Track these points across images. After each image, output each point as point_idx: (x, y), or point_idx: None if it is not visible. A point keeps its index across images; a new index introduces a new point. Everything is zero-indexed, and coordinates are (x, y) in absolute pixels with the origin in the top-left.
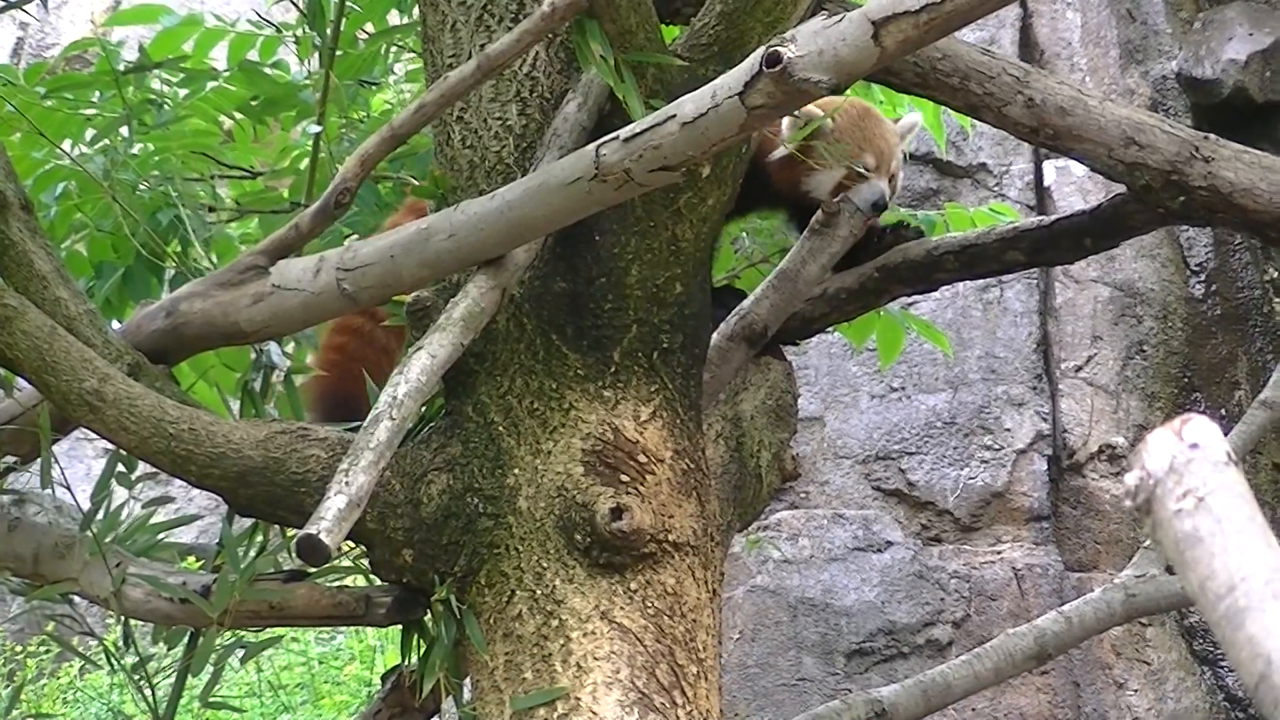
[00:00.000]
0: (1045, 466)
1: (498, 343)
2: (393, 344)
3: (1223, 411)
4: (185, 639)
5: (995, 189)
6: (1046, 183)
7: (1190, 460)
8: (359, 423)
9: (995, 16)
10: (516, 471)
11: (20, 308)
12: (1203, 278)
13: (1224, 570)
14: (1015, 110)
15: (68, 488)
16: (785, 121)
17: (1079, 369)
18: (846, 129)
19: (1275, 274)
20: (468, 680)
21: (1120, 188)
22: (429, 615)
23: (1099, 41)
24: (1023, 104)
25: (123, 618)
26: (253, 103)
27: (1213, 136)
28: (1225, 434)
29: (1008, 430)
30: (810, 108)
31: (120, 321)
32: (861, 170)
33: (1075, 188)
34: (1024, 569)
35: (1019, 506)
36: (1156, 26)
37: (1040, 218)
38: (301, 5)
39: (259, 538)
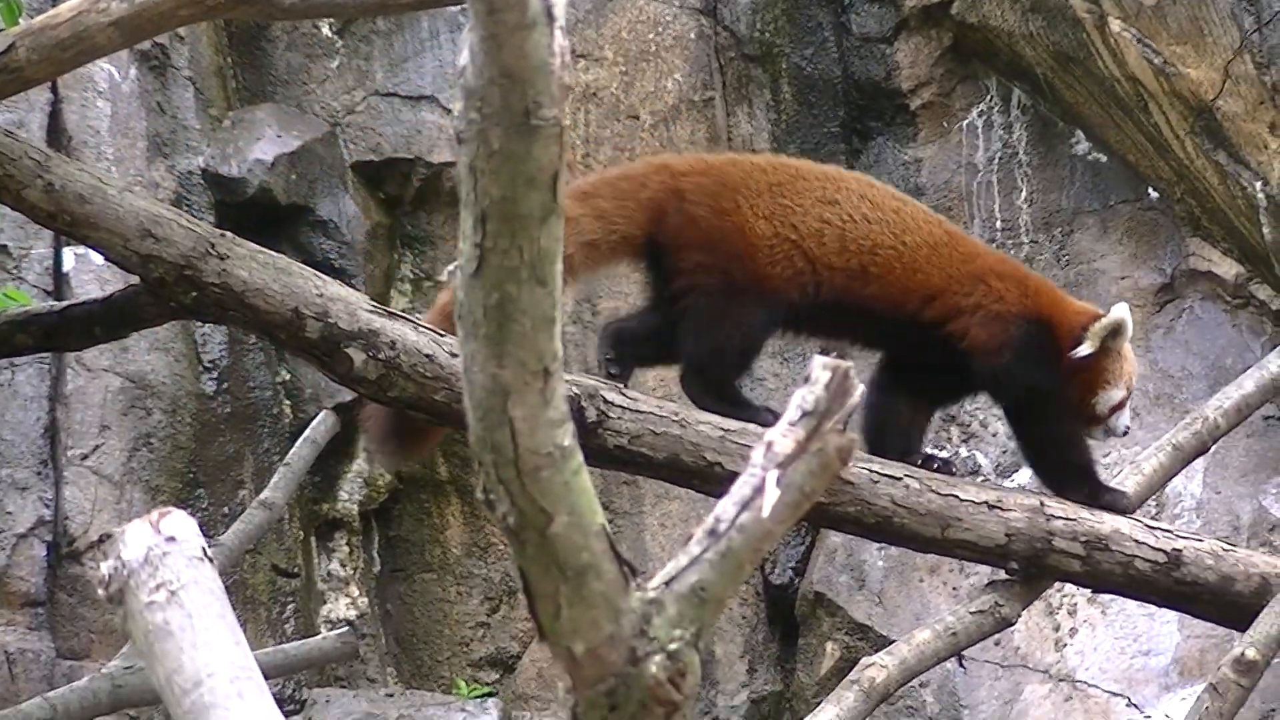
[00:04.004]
0: (45, 552)
1: None
2: None
3: (226, 509)
4: None
5: (14, 272)
6: (65, 269)
7: (166, 553)
8: None
9: (25, 98)
10: None
11: None
12: (215, 375)
13: (191, 665)
14: (34, 194)
15: None
16: (1099, 325)
17: (85, 457)
18: (1128, 354)
19: (288, 376)
20: None
21: (136, 278)
22: None
23: (127, 132)
24: (42, 188)
25: None
26: None
27: (229, 234)
28: (226, 531)
29: (9, 514)
30: (1122, 314)
31: None
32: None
33: (94, 276)
34: (16, 653)
35: (15, 590)
36: (186, 121)
37: (52, 303)
38: None
39: None
